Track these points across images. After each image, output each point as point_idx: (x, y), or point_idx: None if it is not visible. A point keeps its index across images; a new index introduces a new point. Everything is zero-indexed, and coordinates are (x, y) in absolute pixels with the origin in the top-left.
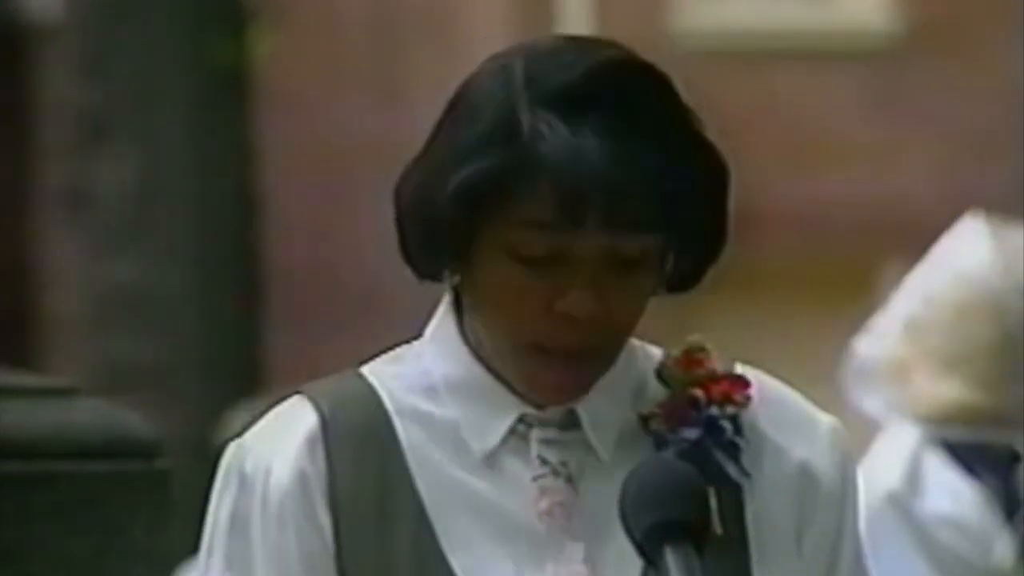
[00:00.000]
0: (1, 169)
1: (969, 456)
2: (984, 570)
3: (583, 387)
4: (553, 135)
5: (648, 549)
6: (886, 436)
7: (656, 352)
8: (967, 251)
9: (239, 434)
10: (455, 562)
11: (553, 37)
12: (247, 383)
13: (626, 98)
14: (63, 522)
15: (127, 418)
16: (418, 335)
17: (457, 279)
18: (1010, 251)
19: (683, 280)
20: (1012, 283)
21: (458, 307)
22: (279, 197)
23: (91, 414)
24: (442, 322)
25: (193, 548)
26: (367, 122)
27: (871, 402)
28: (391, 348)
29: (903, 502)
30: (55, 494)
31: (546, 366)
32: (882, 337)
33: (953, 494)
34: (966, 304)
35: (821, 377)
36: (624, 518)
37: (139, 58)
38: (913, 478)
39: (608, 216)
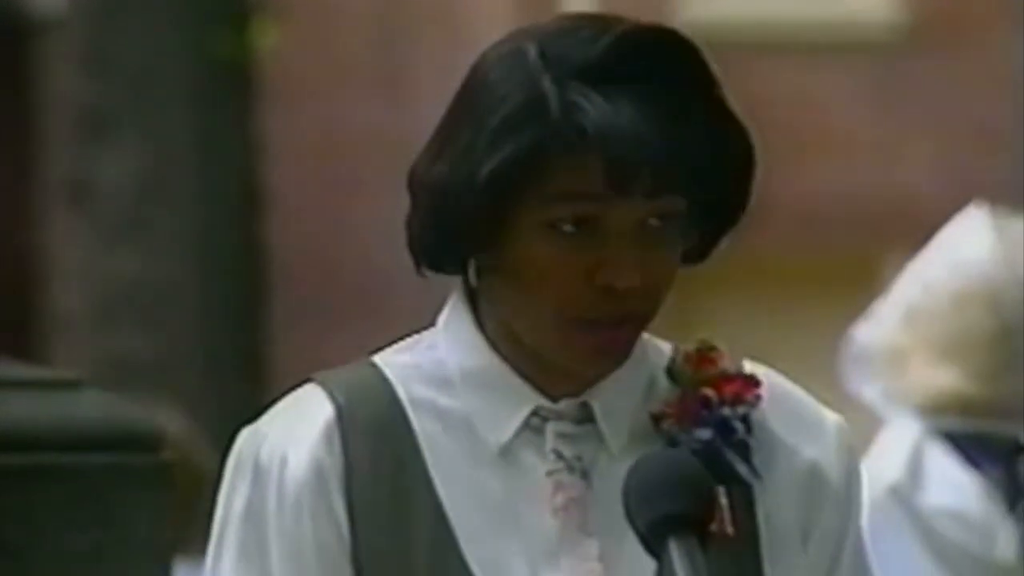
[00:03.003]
0: (4, 163)
1: (971, 448)
2: (987, 562)
3: (624, 351)
4: (592, 107)
5: (652, 541)
6: (889, 430)
7: (665, 347)
8: (968, 240)
9: (251, 421)
10: (470, 556)
11: (558, 17)
12: (250, 376)
13: (658, 66)
14: (65, 514)
15: (130, 411)
16: (423, 327)
17: (478, 265)
18: (1011, 242)
19: (697, 251)
20: (1011, 274)
21: (471, 297)
22: (282, 190)
23: (94, 407)
24: (454, 312)
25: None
26: (370, 115)
27: (869, 391)
28: (396, 341)
29: (905, 495)
30: (57, 486)
31: (588, 332)
32: (881, 324)
33: (955, 486)
34: (964, 293)
35: (824, 370)
36: (628, 510)
37: (142, 52)
38: (915, 471)
39: (654, 184)
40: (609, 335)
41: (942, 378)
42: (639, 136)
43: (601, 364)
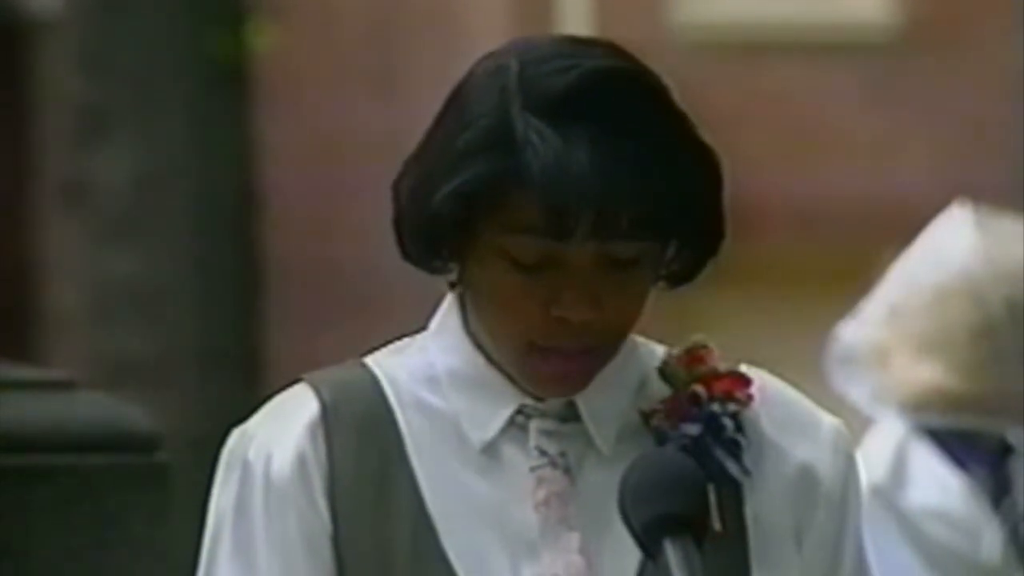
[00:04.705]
0: (1, 163)
1: (956, 446)
2: (972, 561)
3: (583, 379)
4: (543, 145)
5: (647, 542)
6: (874, 430)
7: (659, 350)
8: (949, 237)
9: (241, 422)
10: (451, 551)
11: (550, 37)
12: (246, 376)
13: (616, 108)
14: (62, 515)
15: (126, 411)
16: (418, 328)
17: (455, 276)
18: (993, 238)
19: (682, 275)
20: (992, 270)
21: (462, 299)
22: (278, 190)
23: (90, 407)
24: (446, 315)
25: (194, 541)
26: (366, 115)
27: (855, 391)
28: (390, 341)
29: (888, 495)
30: (54, 487)
31: (544, 361)
32: (865, 322)
33: (939, 485)
34: (945, 289)
35: (819, 371)
36: (623, 511)
37: (138, 52)
38: (898, 470)
39: (596, 227)
40: (566, 364)
41: (924, 374)
42: (582, 182)
43: (559, 391)
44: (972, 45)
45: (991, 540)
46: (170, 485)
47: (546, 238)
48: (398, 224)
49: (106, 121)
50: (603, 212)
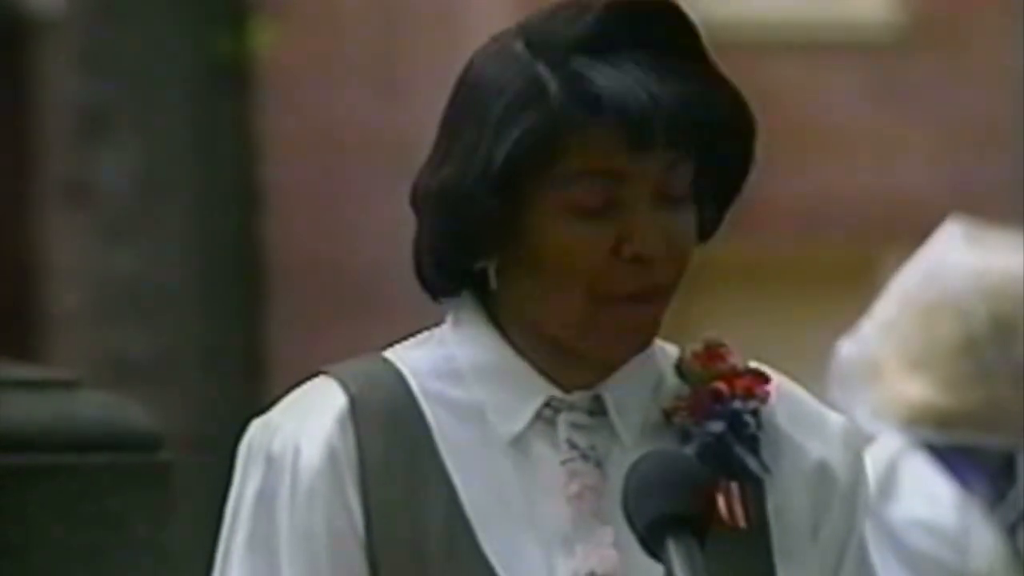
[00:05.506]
0: (2, 162)
1: (957, 461)
2: (960, 573)
3: (652, 328)
4: (598, 73)
5: (651, 542)
6: (876, 443)
7: (672, 349)
8: (939, 253)
9: (249, 419)
10: (486, 545)
11: (536, 11)
12: (248, 375)
13: (650, 31)
14: (64, 514)
15: (128, 410)
16: (419, 328)
17: (497, 265)
18: (980, 254)
19: (703, 227)
20: (978, 285)
21: (481, 298)
22: (281, 189)
23: (92, 406)
24: (464, 308)
25: (195, 540)
26: (368, 114)
27: (855, 408)
28: (393, 339)
29: (875, 507)
30: (56, 486)
31: (616, 311)
32: (861, 339)
33: (928, 498)
34: (932, 305)
35: (824, 370)
36: (626, 511)
37: (140, 51)
38: (887, 483)
39: (669, 140)
40: (636, 312)
41: (914, 390)
42: (651, 92)
43: (629, 343)
44: (974, 44)
45: (983, 552)
46: (172, 484)
47: (618, 168)
48: (430, 232)
49: (107, 120)
50: (675, 119)
